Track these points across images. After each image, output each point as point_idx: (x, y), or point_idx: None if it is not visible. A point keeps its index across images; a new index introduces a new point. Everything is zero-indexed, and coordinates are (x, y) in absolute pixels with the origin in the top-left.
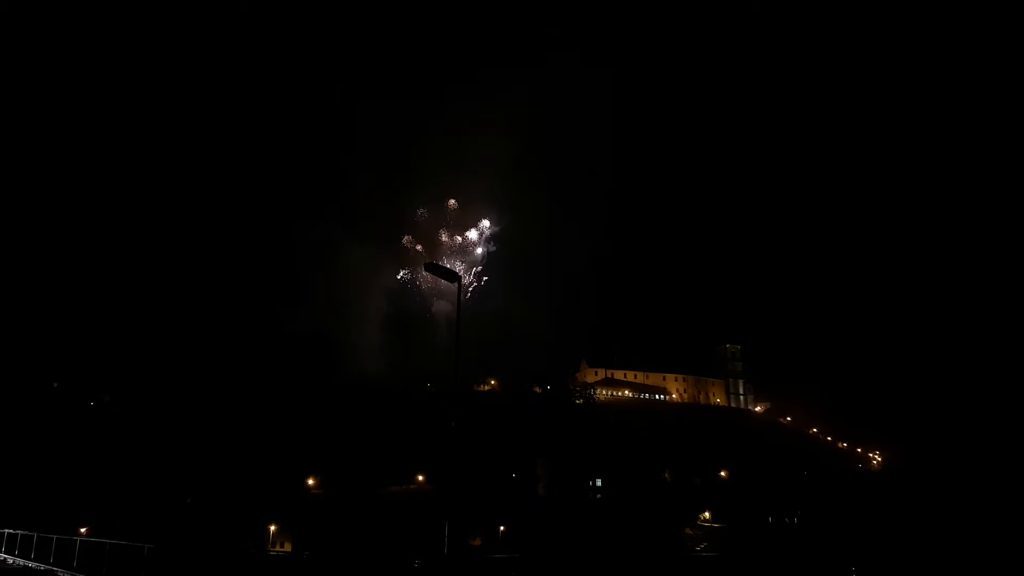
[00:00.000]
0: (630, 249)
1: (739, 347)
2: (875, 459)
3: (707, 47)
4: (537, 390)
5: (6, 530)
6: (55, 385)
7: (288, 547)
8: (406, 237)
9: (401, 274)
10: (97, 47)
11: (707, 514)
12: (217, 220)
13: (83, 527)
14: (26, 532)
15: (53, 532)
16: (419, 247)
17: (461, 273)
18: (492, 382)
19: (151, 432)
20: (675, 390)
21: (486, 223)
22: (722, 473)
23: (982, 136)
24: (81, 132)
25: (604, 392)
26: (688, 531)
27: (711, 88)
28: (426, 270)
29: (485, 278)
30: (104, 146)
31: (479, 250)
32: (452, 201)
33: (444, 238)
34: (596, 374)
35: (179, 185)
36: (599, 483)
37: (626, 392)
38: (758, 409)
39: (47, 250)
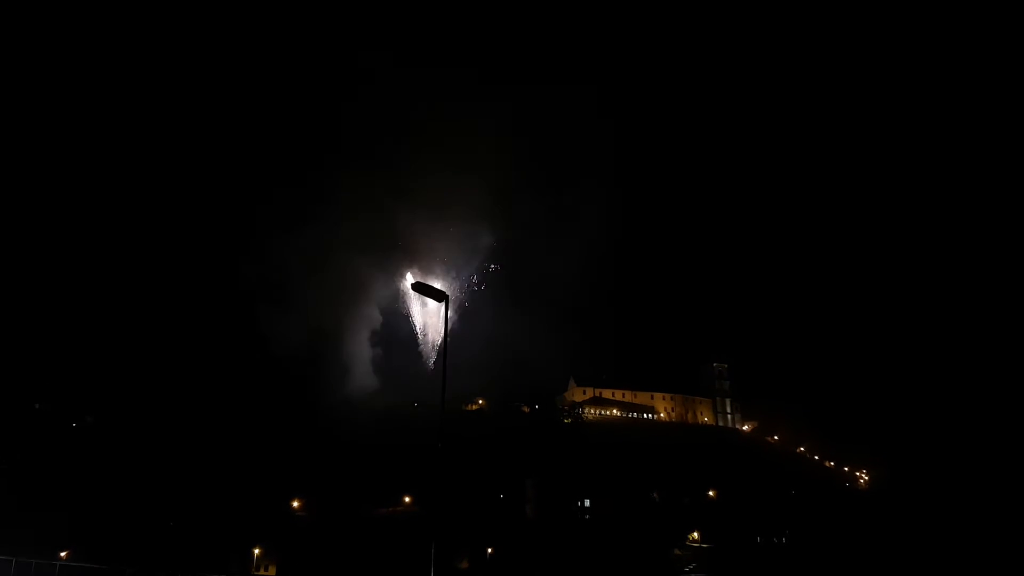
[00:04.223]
0: (618, 267)
1: (726, 366)
2: (862, 478)
3: (705, 49)
4: (525, 409)
5: None
6: (37, 406)
7: (273, 571)
8: (408, 276)
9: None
10: (61, 44)
11: (696, 534)
12: (203, 230)
13: (64, 551)
14: (5, 557)
15: (33, 557)
16: (413, 269)
17: (449, 292)
18: (480, 401)
19: (134, 453)
20: (663, 409)
21: (480, 241)
22: (710, 493)
23: (974, 151)
24: (70, 137)
25: (592, 411)
26: (677, 552)
27: (708, 98)
28: (414, 289)
29: (474, 294)
30: (79, 156)
31: (471, 266)
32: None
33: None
34: (584, 393)
35: (162, 193)
36: (587, 503)
37: (614, 411)
38: (745, 428)
39: (28, 267)
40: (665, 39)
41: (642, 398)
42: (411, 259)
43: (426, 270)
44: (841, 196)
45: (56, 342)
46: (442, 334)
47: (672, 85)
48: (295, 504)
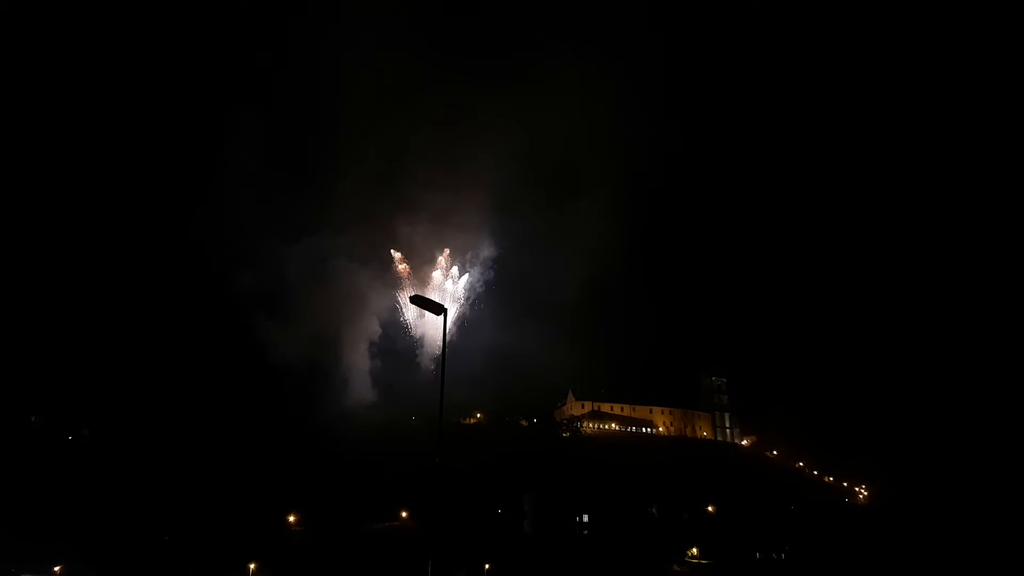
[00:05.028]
0: (617, 280)
1: (725, 380)
2: (861, 493)
3: (705, 51)
4: (524, 423)
5: None
6: (33, 419)
7: None
8: (396, 256)
9: (390, 293)
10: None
11: (695, 550)
12: (201, 239)
13: (57, 566)
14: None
15: (27, 571)
16: (406, 267)
17: (448, 304)
18: (478, 415)
19: (130, 467)
20: (662, 423)
21: (480, 253)
22: (709, 508)
23: (976, 158)
24: (64, 143)
25: (591, 425)
26: (676, 568)
27: (704, 112)
28: (412, 303)
29: (470, 306)
30: (73, 164)
31: (467, 277)
32: (447, 251)
33: (437, 270)
34: (583, 407)
35: (158, 202)
36: (586, 519)
37: (613, 425)
38: (744, 443)
39: (22, 277)
40: (663, 51)
41: (641, 412)
42: (410, 271)
43: (425, 282)
44: (838, 209)
45: (52, 354)
46: (441, 347)
47: (667, 98)
48: (291, 519)
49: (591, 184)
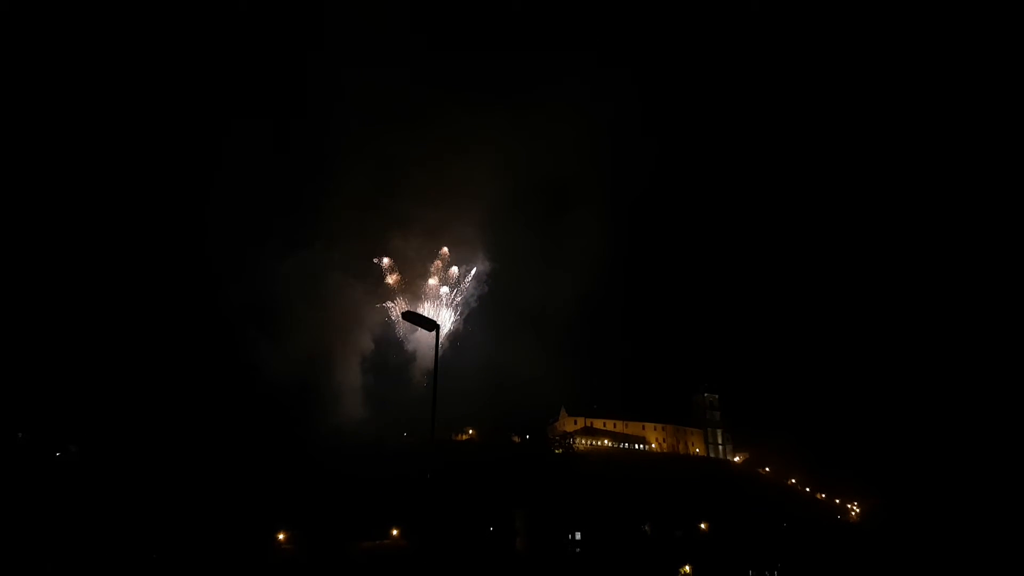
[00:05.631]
0: (610, 296)
1: (717, 396)
2: (853, 510)
3: (705, 53)
4: (516, 439)
5: None
6: (20, 436)
7: None
8: (385, 261)
9: (382, 307)
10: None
11: (687, 568)
12: (193, 255)
13: None
14: None
15: None
16: (396, 277)
17: (441, 320)
18: (470, 431)
19: (118, 483)
20: (654, 439)
21: (472, 268)
22: (702, 525)
23: (973, 171)
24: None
25: (583, 441)
26: None
27: (697, 125)
28: (404, 319)
29: (464, 321)
30: (66, 179)
31: (461, 290)
32: (444, 250)
33: (432, 279)
34: (575, 423)
35: (151, 217)
36: (578, 536)
37: (605, 441)
38: (737, 459)
39: (10, 293)
40: (661, 65)
41: (633, 428)
42: (403, 286)
43: (418, 297)
44: (830, 225)
45: (40, 370)
46: (433, 362)
47: (663, 113)
48: (280, 536)
49: (585, 200)
